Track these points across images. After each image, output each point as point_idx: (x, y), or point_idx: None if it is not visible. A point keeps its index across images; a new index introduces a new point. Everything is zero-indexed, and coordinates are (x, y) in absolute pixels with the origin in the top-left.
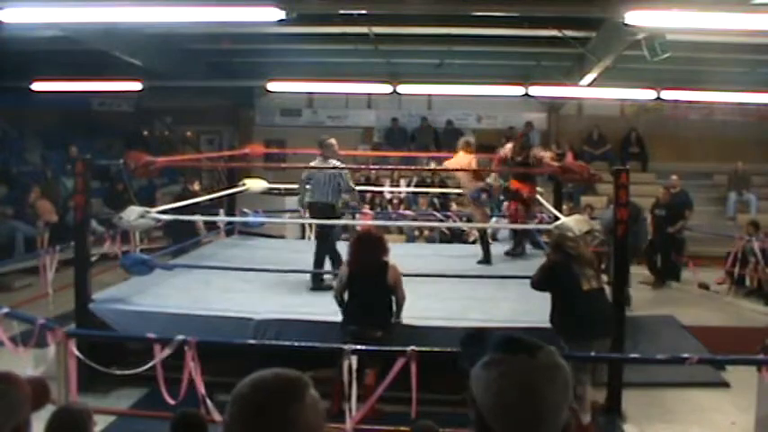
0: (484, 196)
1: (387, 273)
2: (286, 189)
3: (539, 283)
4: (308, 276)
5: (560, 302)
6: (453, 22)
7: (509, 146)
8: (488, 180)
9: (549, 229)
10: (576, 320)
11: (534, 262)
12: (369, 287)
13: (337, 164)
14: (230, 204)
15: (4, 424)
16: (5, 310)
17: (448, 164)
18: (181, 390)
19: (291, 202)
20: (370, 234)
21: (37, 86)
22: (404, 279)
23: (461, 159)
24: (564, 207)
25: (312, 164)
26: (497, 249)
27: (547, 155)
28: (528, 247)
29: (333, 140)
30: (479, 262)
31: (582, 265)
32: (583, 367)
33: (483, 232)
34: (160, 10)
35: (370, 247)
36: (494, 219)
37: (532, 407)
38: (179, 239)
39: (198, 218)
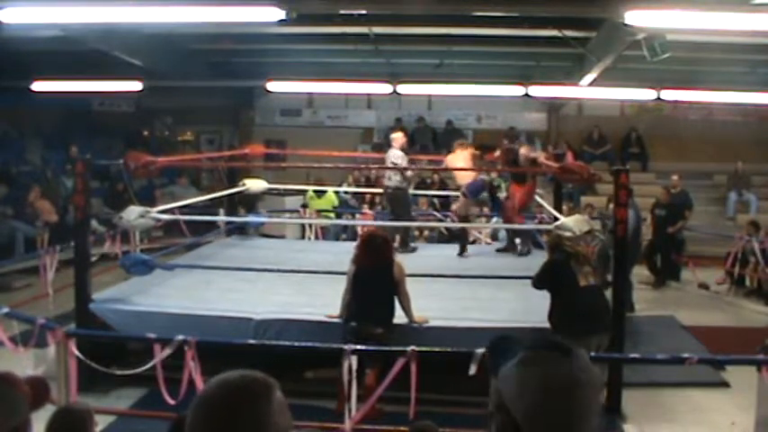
0: (484, 194)
1: (392, 270)
2: (286, 189)
3: (538, 281)
4: (301, 276)
5: (559, 299)
6: (453, 22)
7: (523, 150)
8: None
9: (549, 229)
10: (574, 316)
11: (534, 261)
12: (372, 285)
13: (394, 152)
14: (230, 204)
15: (4, 424)
16: (5, 310)
17: (448, 161)
18: (181, 390)
19: (291, 201)
20: (377, 235)
21: (37, 86)
22: (405, 279)
23: (458, 156)
24: (564, 207)
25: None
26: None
27: (537, 154)
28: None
29: (394, 134)
30: (459, 254)
31: (579, 263)
32: None
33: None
34: (160, 10)
35: (376, 248)
36: (494, 219)
37: (568, 406)
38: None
39: (197, 218)
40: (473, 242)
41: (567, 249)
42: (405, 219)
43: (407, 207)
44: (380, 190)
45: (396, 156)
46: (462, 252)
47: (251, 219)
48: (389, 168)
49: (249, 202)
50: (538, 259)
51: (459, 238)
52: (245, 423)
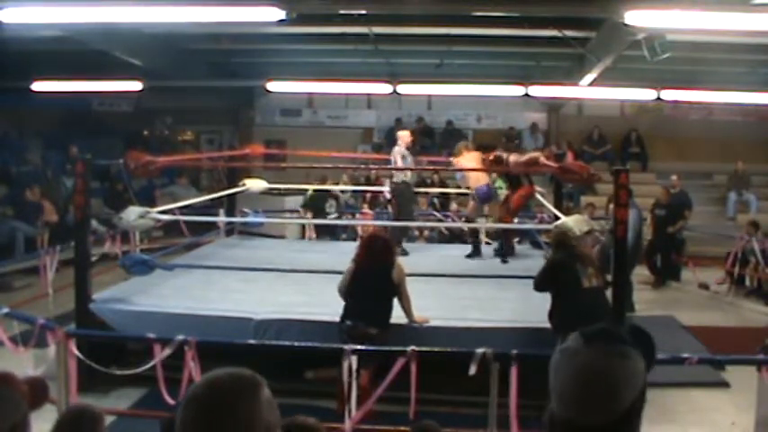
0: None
1: (392, 271)
2: (286, 189)
3: (541, 282)
4: (301, 276)
5: (560, 300)
6: (453, 22)
7: (512, 158)
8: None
9: (549, 228)
10: (575, 318)
11: (534, 262)
12: (370, 286)
13: (398, 150)
14: (230, 204)
15: (2, 424)
16: (5, 310)
17: (461, 163)
18: (181, 390)
19: (291, 201)
20: (379, 236)
21: (37, 86)
22: (405, 280)
23: (470, 159)
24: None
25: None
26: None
27: (530, 156)
28: (528, 246)
29: (401, 132)
30: (468, 256)
31: (584, 264)
32: None
33: (476, 229)
34: (160, 10)
35: (377, 248)
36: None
37: (592, 389)
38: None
39: (197, 218)
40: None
41: (572, 249)
42: (405, 215)
43: (408, 203)
44: (378, 189)
45: (398, 152)
46: (475, 254)
47: (251, 219)
48: (389, 169)
49: (317, 205)
50: (538, 259)
51: (474, 241)
52: (233, 420)
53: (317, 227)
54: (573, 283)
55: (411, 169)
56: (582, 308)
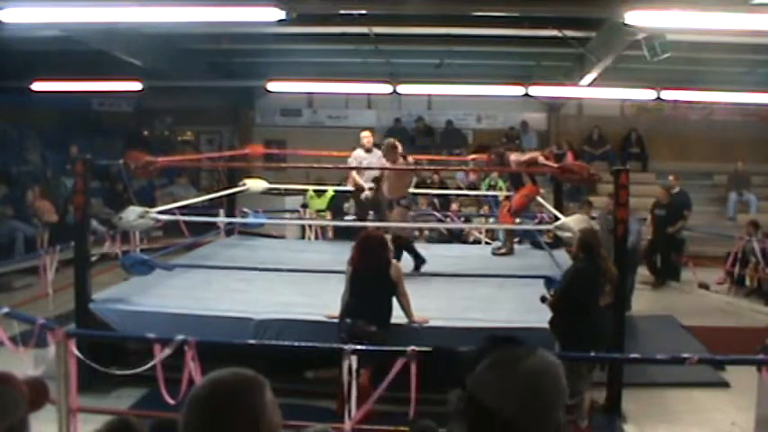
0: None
1: (389, 270)
2: (286, 189)
3: (567, 300)
4: (301, 276)
5: (571, 312)
6: (453, 22)
7: (513, 157)
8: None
9: (549, 228)
10: (581, 335)
11: (534, 262)
12: (369, 286)
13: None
14: (230, 204)
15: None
16: (5, 310)
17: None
18: (181, 390)
19: (291, 201)
20: (374, 234)
21: (37, 86)
22: (404, 279)
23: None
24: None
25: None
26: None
27: (529, 156)
28: (528, 246)
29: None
30: (415, 269)
31: (605, 279)
32: (580, 375)
33: (405, 238)
34: (160, 10)
35: (373, 247)
36: (492, 219)
37: (552, 393)
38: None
39: (197, 218)
40: (473, 242)
41: (599, 257)
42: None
43: (364, 209)
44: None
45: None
46: (418, 266)
47: (251, 219)
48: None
49: (337, 206)
50: (538, 260)
51: (411, 252)
52: (237, 420)
53: (335, 227)
54: (591, 300)
55: (411, 169)
56: (590, 327)
